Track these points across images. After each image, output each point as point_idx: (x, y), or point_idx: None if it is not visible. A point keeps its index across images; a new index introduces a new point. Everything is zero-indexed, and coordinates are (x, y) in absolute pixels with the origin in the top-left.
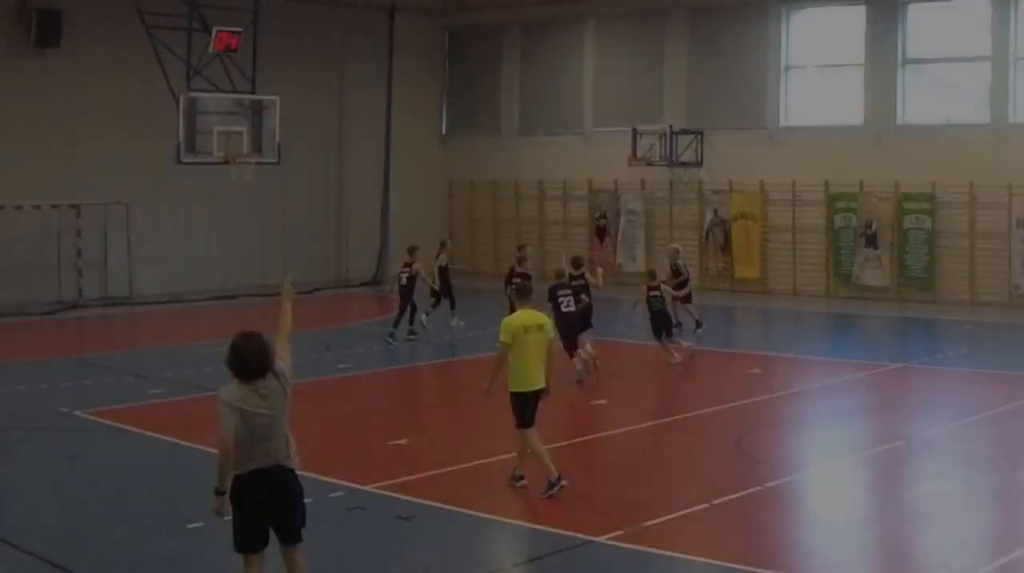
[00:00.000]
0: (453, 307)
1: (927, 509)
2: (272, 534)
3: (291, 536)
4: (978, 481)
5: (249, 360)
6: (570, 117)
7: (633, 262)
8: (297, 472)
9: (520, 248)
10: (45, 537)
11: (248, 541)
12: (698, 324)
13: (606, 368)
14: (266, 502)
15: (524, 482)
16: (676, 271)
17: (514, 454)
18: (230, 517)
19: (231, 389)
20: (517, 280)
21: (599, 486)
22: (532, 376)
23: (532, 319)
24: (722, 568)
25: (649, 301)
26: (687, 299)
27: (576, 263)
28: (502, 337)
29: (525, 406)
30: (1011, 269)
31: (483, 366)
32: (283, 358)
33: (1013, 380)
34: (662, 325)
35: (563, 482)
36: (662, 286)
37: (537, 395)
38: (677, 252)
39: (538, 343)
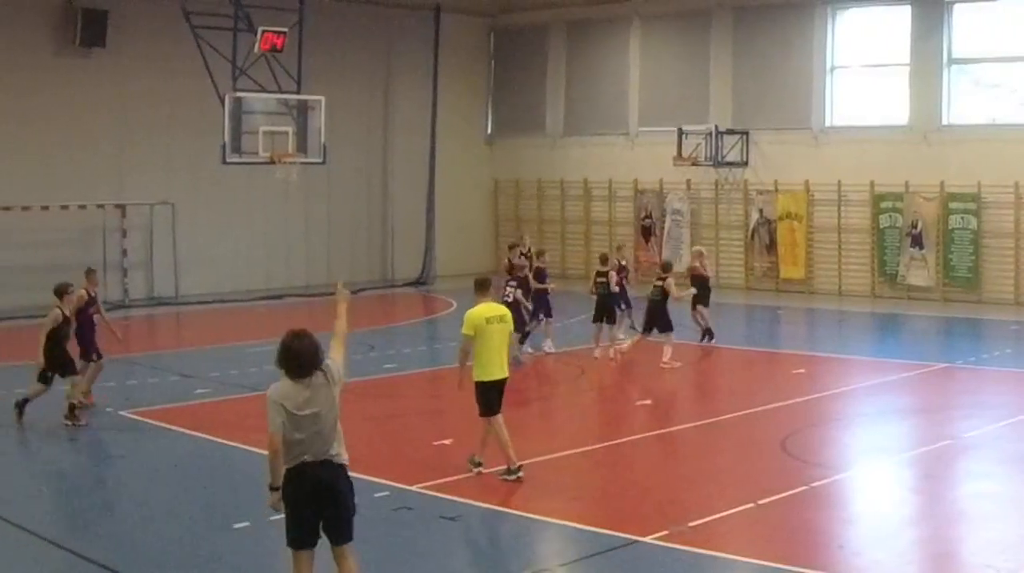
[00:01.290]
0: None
1: (973, 509)
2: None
3: (340, 534)
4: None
5: (298, 357)
6: (615, 117)
7: (679, 262)
8: (348, 469)
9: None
10: (91, 536)
11: (296, 536)
12: (705, 333)
13: (651, 368)
14: (313, 497)
15: (482, 469)
16: (693, 273)
17: (479, 442)
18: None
19: (279, 386)
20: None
21: (644, 486)
22: (496, 366)
23: (493, 311)
24: (767, 568)
25: (596, 286)
26: (701, 302)
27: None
28: (464, 330)
29: (490, 395)
30: None
31: (529, 367)
32: (334, 358)
33: None
34: (603, 313)
35: (521, 474)
36: (610, 274)
37: (502, 384)
38: (700, 254)
39: (500, 333)
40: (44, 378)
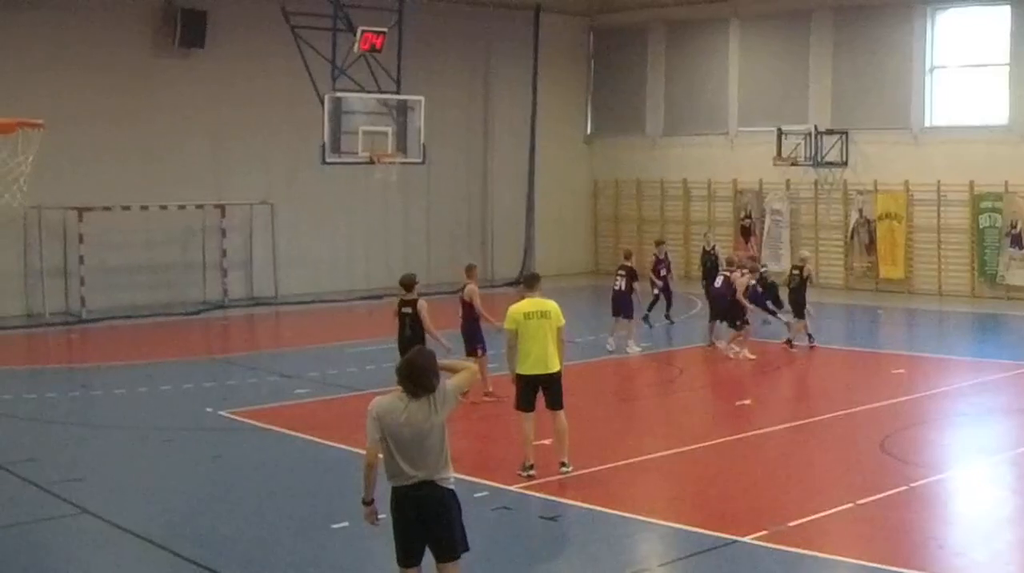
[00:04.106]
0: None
1: None
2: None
3: (444, 553)
4: None
5: (407, 369)
6: (715, 117)
7: (778, 262)
8: (452, 488)
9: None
10: (190, 537)
11: (400, 555)
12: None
13: (751, 368)
14: (415, 519)
15: (533, 472)
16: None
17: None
18: (379, 525)
19: (380, 400)
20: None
21: (743, 486)
22: (533, 361)
23: (535, 306)
24: (867, 568)
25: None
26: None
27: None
28: (505, 325)
29: (524, 389)
30: None
31: (624, 366)
32: (451, 382)
33: None
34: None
35: (533, 472)
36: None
37: (542, 380)
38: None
39: (541, 329)
40: None
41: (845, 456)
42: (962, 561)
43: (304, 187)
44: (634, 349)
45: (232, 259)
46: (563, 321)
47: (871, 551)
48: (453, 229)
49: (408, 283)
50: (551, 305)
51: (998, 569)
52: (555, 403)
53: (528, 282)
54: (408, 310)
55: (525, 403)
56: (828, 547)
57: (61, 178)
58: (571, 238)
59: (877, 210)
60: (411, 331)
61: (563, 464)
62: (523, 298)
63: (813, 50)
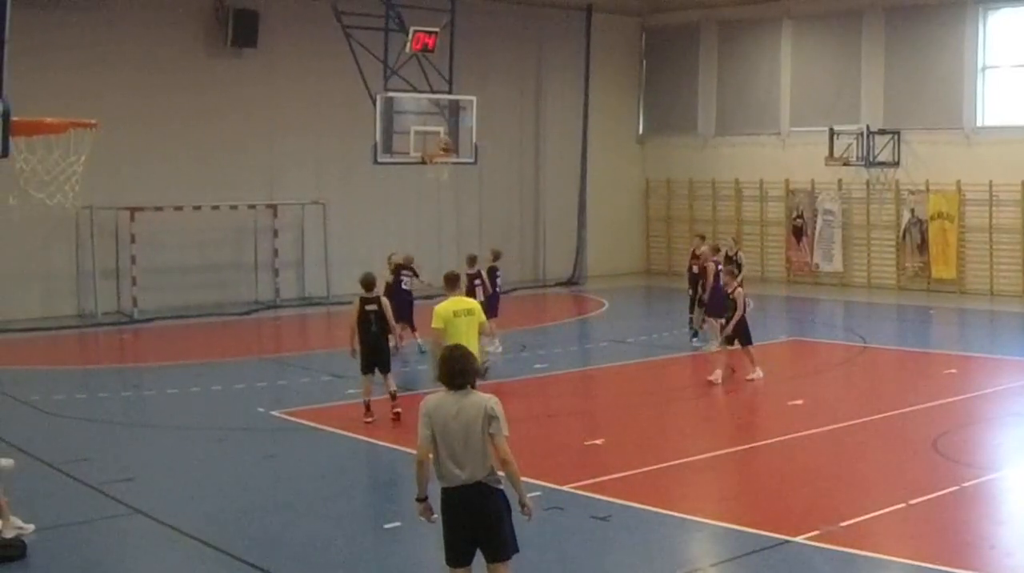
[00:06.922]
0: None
1: None
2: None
3: (494, 554)
4: None
5: (449, 365)
6: (767, 117)
7: (830, 262)
8: (502, 488)
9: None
10: (241, 537)
11: (449, 555)
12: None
13: (803, 368)
14: (463, 520)
15: None
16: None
17: None
18: (435, 523)
19: (433, 396)
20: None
21: (795, 486)
22: None
23: (460, 305)
24: (919, 568)
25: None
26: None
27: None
28: (434, 323)
29: None
30: None
31: (676, 365)
32: (504, 438)
33: None
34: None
35: None
36: None
37: None
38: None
39: (468, 326)
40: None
41: (897, 456)
42: (1014, 561)
43: (356, 187)
44: (497, 348)
45: (284, 259)
46: (484, 318)
47: (923, 551)
48: (505, 229)
49: (370, 283)
50: (474, 303)
51: None
52: None
53: (449, 282)
54: (373, 307)
55: None
56: (880, 547)
57: (113, 178)
58: (623, 238)
59: (929, 210)
60: (377, 327)
61: None
62: (447, 297)
63: (865, 50)
